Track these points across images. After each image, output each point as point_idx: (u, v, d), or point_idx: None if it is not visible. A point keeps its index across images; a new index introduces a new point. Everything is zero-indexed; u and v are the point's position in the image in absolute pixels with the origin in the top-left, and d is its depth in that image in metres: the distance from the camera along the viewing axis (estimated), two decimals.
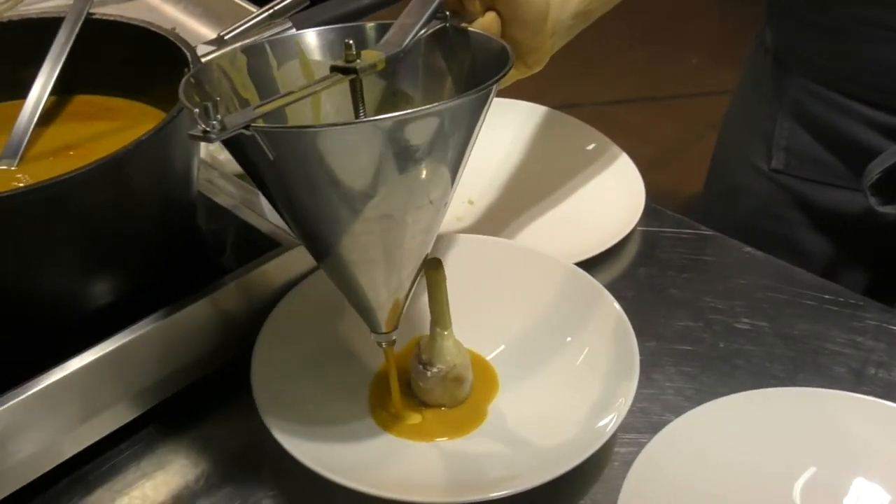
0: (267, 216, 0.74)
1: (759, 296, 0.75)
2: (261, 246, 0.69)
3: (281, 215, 0.53)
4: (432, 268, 0.58)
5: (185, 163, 0.64)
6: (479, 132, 0.51)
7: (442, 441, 0.60)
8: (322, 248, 0.53)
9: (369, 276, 0.53)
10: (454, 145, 0.49)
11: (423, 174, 0.48)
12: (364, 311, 0.55)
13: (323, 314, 0.66)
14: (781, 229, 0.94)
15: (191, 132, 0.42)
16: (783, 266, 0.79)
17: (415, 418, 0.61)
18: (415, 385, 0.63)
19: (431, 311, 0.59)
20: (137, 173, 0.58)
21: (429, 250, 0.54)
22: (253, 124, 0.43)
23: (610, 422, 0.56)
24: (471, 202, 0.85)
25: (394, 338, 0.57)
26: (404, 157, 0.46)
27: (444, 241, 0.72)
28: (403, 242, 0.51)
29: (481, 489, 0.54)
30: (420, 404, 0.62)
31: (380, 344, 0.57)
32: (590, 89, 2.60)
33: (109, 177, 0.56)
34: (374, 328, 0.56)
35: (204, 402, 0.66)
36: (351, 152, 0.45)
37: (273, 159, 0.46)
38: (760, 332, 0.72)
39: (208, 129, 0.41)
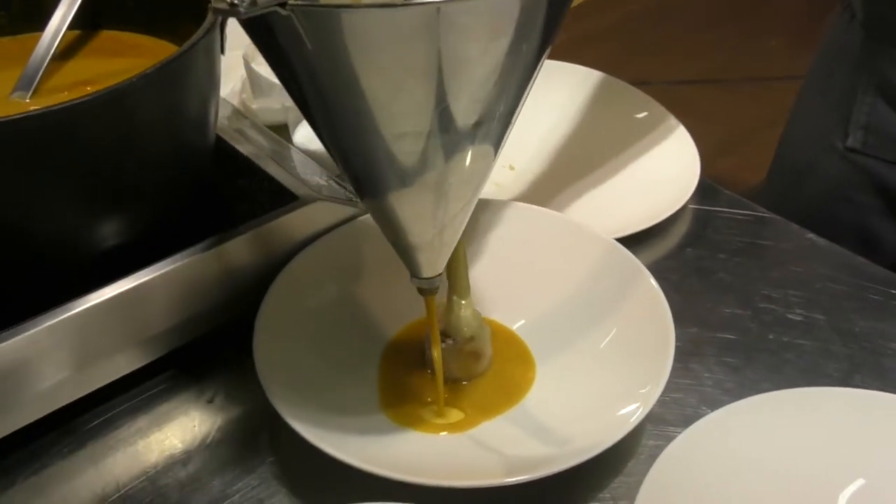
0: (297, 169, 0.70)
1: (817, 286, 0.69)
2: (281, 199, 0.65)
3: (313, 126, 0.45)
4: None
5: (199, 103, 0.60)
6: (541, 65, 0.43)
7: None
8: (361, 167, 0.44)
9: (414, 206, 0.45)
10: (526, 51, 0.40)
11: (487, 80, 0.40)
12: (404, 249, 0.48)
13: (337, 277, 0.62)
14: (852, 215, 0.86)
15: (215, 4, 0.35)
16: (848, 255, 0.72)
17: (455, 415, 0.56)
18: (428, 356, 0.59)
19: (448, 277, 0.55)
20: (143, 108, 0.54)
21: (481, 191, 0.47)
22: (291, 1, 0.36)
23: (635, 412, 0.51)
24: (511, 168, 0.80)
25: (437, 284, 0.51)
26: (469, 55, 0.38)
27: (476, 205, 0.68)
28: (456, 166, 0.43)
29: (489, 475, 0.50)
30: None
31: (421, 292, 0.51)
32: (661, 67, 2.51)
33: (111, 109, 0.53)
34: (414, 271, 0.50)
35: (207, 361, 0.63)
36: (408, 43, 0.37)
37: (310, 49, 0.38)
38: (816, 326, 0.65)
39: (236, 1, 0.35)
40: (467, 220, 0.48)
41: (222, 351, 0.63)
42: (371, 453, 0.50)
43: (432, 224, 0.46)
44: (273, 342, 0.57)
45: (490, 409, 0.56)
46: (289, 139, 0.79)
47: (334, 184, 0.71)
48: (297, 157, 0.74)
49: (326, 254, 0.62)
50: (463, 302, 0.56)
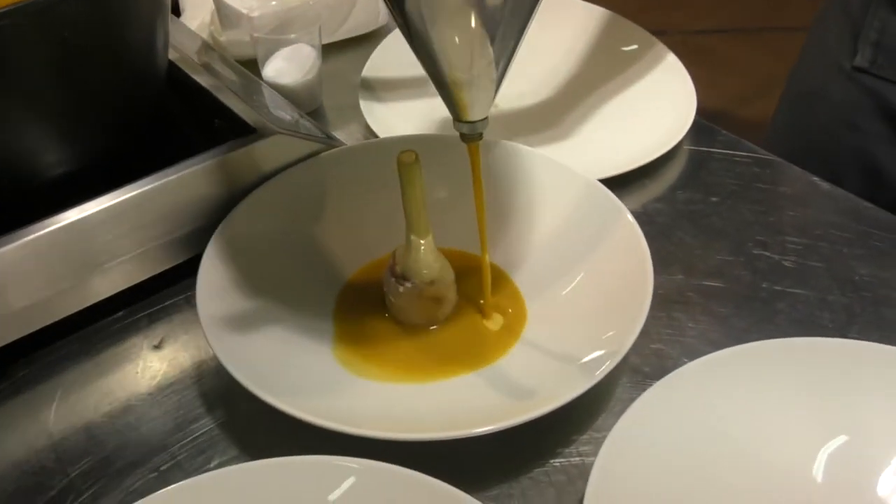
0: (265, 103, 0.66)
1: (817, 232, 0.64)
2: (239, 132, 0.61)
3: None
4: (406, 161, 0.49)
5: (143, 25, 0.56)
6: None
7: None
8: None
9: (456, 33, 0.43)
10: None
11: None
12: (447, 86, 0.46)
13: (292, 217, 0.59)
14: (858, 143, 0.80)
15: None
16: (851, 199, 0.67)
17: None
18: (387, 300, 0.55)
19: (406, 215, 0.51)
20: (75, 24, 0.50)
21: (525, 34, 0.45)
22: None
23: (602, 362, 0.47)
24: (494, 105, 0.75)
25: (479, 130, 0.48)
26: None
27: (447, 141, 0.62)
28: None
29: (441, 427, 0.46)
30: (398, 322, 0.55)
31: (463, 138, 0.48)
32: (682, 16, 2.42)
33: (39, 21, 0.48)
34: (457, 113, 0.47)
35: (158, 305, 0.59)
36: None
37: None
38: (813, 274, 0.60)
39: None
40: (510, 64, 0.46)
41: (175, 294, 0.59)
42: (322, 405, 0.47)
43: (476, 58, 0.44)
44: (219, 286, 0.53)
45: (455, 360, 0.53)
46: (259, 74, 0.75)
47: (303, 120, 0.67)
48: (266, 92, 0.71)
49: (282, 192, 0.59)
50: (422, 242, 0.52)
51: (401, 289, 0.53)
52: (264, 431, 0.50)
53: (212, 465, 0.50)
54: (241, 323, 0.52)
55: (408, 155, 0.49)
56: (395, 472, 0.42)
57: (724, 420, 0.46)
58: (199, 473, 0.47)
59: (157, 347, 0.57)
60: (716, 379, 0.48)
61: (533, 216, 0.60)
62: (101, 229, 0.55)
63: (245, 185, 0.60)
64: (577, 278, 0.56)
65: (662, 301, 0.57)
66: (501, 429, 0.45)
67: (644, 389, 0.50)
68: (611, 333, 0.50)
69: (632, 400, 0.49)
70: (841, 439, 0.46)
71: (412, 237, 0.52)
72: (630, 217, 0.56)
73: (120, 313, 0.59)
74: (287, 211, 0.59)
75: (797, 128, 0.87)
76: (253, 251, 0.56)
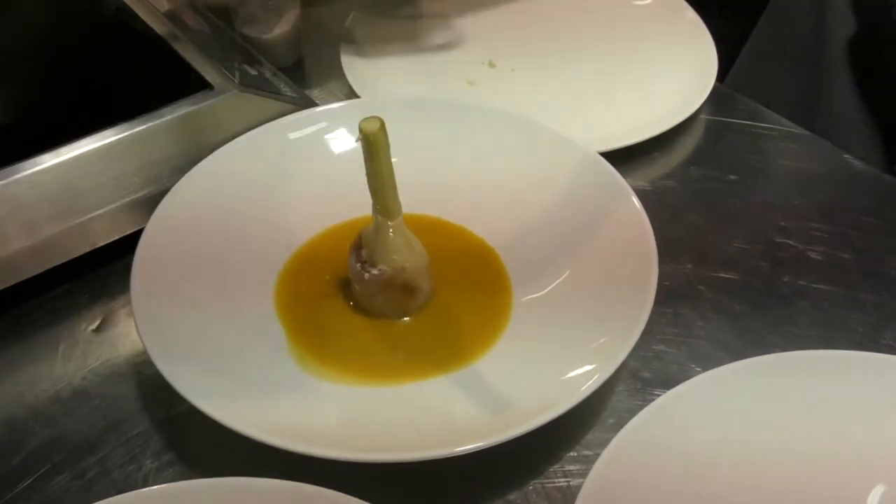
0: (235, 57, 0.60)
1: (848, 219, 0.57)
2: (194, 90, 0.54)
3: None
4: (368, 130, 0.42)
5: None
6: None
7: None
8: None
9: None
10: None
11: None
12: None
13: (247, 191, 0.53)
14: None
15: None
16: (888, 182, 0.60)
17: None
18: (353, 287, 0.49)
19: (371, 193, 0.45)
20: None
21: None
22: None
23: (590, 376, 0.42)
24: (491, 65, 0.68)
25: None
26: None
27: (436, 104, 0.58)
28: None
29: (408, 446, 0.40)
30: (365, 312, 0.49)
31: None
32: None
33: None
34: None
35: (100, 283, 0.53)
36: None
37: None
38: (841, 267, 0.54)
39: None
40: None
41: (120, 270, 0.52)
42: (270, 415, 0.42)
43: None
44: (158, 268, 0.47)
45: (428, 359, 0.47)
46: (232, 25, 0.68)
47: (275, 77, 0.61)
48: (237, 45, 0.65)
49: (240, 158, 0.54)
50: (391, 224, 0.46)
51: (367, 276, 0.47)
52: (203, 436, 0.44)
53: (142, 471, 0.44)
54: (181, 312, 0.46)
55: (370, 122, 0.42)
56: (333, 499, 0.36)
57: (740, 451, 0.40)
58: (128, 481, 0.43)
59: (96, 331, 0.51)
60: (727, 398, 0.41)
61: (523, 192, 0.54)
62: (34, 195, 0.49)
63: (200, 149, 0.53)
64: (572, 265, 0.50)
65: (668, 294, 0.51)
66: (477, 449, 0.39)
67: (644, 399, 0.47)
68: (608, 333, 0.45)
69: (629, 412, 0.44)
70: (879, 489, 0.38)
71: (379, 218, 0.46)
72: (633, 197, 0.50)
73: (56, 291, 0.53)
74: (243, 181, 0.53)
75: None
76: (202, 227, 0.50)
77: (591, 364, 0.43)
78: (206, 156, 0.52)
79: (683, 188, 0.60)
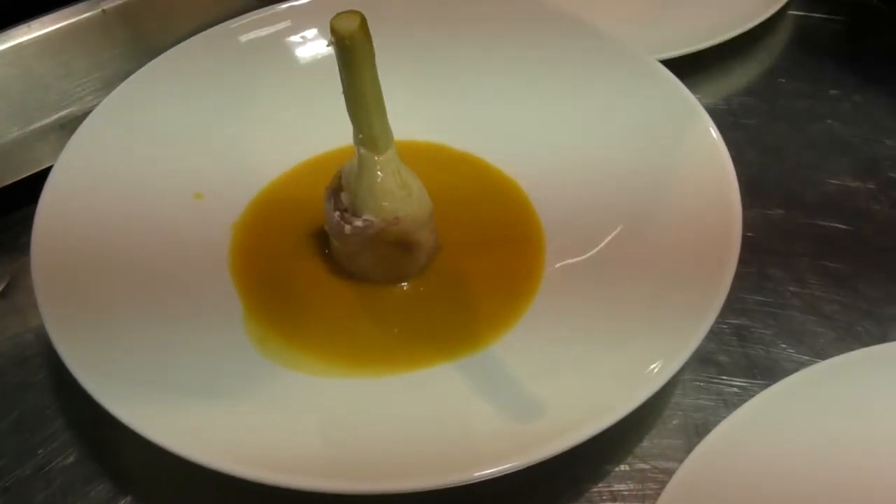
0: None
1: None
2: None
3: None
4: (343, 31, 0.35)
5: None
6: None
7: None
8: None
9: None
10: None
11: None
12: None
13: (186, 115, 0.48)
14: None
15: None
16: None
17: None
18: (330, 244, 0.44)
19: (351, 118, 0.39)
20: None
21: None
22: None
23: (651, 368, 0.36)
24: None
25: None
26: None
27: None
28: None
29: (404, 471, 0.35)
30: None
31: None
32: None
33: None
34: None
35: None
36: None
37: None
38: None
39: None
40: None
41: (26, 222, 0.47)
42: (215, 425, 0.36)
43: None
44: (69, 219, 0.42)
45: (430, 341, 0.42)
46: None
47: None
48: None
49: (181, 72, 0.49)
50: (378, 158, 0.40)
51: (348, 229, 0.41)
52: (138, 445, 0.37)
53: (52, 488, 0.38)
54: (98, 281, 0.41)
55: (346, 20, 0.35)
56: None
57: (862, 461, 0.34)
58: None
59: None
60: (847, 396, 0.35)
61: (560, 114, 0.49)
62: None
63: (128, 60, 0.49)
64: (625, 217, 0.45)
65: (752, 250, 0.45)
66: (501, 474, 0.34)
67: (719, 394, 0.41)
68: (675, 308, 0.39)
69: (698, 411, 0.40)
70: None
71: (363, 151, 0.40)
72: (706, 119, 0.45)
73: None
74: (184, 104, 0.48)
75: None
76: (130, 163, 0.45)
77: (651, 351, 0.37)
78: (136, 69, 0.48)
79: (768, 108, 0.55)
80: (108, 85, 0.47)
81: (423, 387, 0.39)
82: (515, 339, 0.41)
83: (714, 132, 0.44)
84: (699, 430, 0.40)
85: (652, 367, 0.36)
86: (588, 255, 0.44)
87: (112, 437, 0.39)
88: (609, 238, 0.44)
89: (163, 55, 0.49)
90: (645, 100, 0.48)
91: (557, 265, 0.44)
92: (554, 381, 0.38)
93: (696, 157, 0.44)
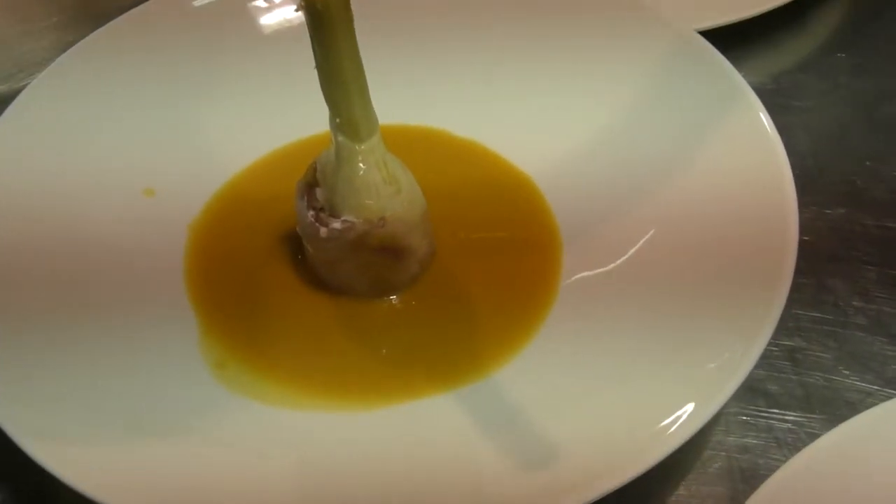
0: None
1: None
2: None
3: None
4: None
5: None
6: None
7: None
8: None
9: None
10: None
11: None
12: None
13: (129, 96, 0.45)
14: None
15: None
16: None
17: None
18: (305, 249, 0.42)
19: (326, 100, 0.37)
20: None
21: None
22: None
23: (687, 405, 0.34)
24: None
25: None
26: None
27: None
28: None
29: None
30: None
31: None
32: None
33: None
34: None
35: None
36: None
37: None
38: None
39: None
40: None
41: None
42: (162, 471, 0.34)
43: None
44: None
45: (421, 367, 0.40)
46: None
47: None
48: None
49: (119, 46, 0.46)
50: (360, 147, 0.38)
51: (324, 232, 0.38)
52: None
53: None
54: (19, 298, 0.38)
55: None
56: None
57: None
58: None
59: None
60: None
61: (582, 95, 0.47)
62: None
63: (66, 32, 0.49)
64: (657, 219, 0.42)
65: (809, 257, 0.43)
66: None
67: (768, 430, 0.38)
68: (716, 333, 0.36)
69: (744, 451, 0.37)
70: None
71: (341, 139, 0.37)
72: (755, 101, 0.43)
73: None
74: (131, 82, 0.46)
75: None
76: (66, 152, 0.43)
77: (686, 386, 0.35)
78: (76, 41, 0.46)
79: (826, 87, 0.53)
80: (43, 60, 0.44)
81: (414, 422, 0.37)
82: (524, 367, 0.39)
83: (765, 118, 0.42)
84: (746, 476, 0.38)
85: (686, 406, 0.33)
86: (613, 265, 0.42)
87: (40, 483, 0.35)
88: (638, 245, 0.41)
89: (106, 26, 0.47)
90: (681, 79, 0.45)
91: (576, 277, 0.42)
92: (569, 419, 0.36)
93: (743, 149, 0.42)
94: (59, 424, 0.34)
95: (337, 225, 0.38)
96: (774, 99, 0.49)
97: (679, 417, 0.34)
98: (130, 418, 0.35)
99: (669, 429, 0.33)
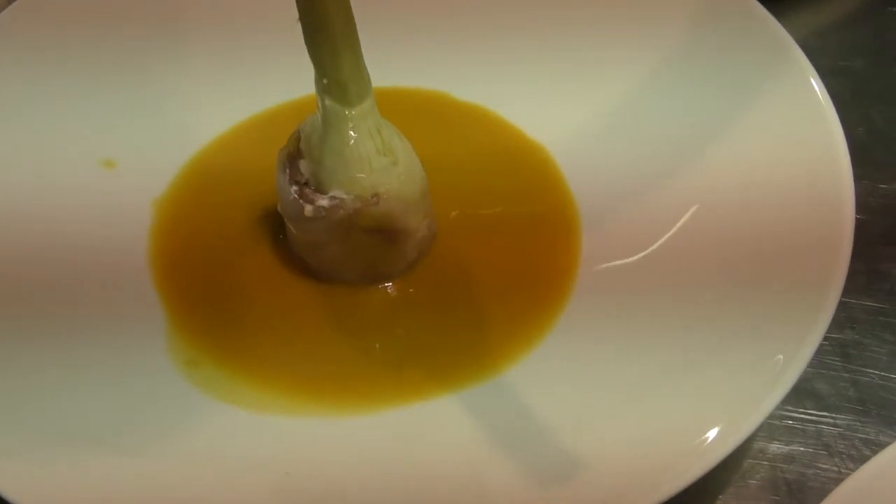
0: None
1: None
2: None
3: None
4: None
5: None
6: None
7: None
8: None
9: None
10: None
11: None
12: None
13: (85, 55, 0.43)
14: None
15: None
16: None
17: None
18: (288, 230, 0.40)
19: (311, 53, 0.35)
20: None
21: None
22: None
23: (723, 419, 0.32)
24: None
25: None
26: None
27: None
28: None
29: None
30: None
31: None
32: None
33: None
34: None
35: None
36: None
37: None
38: None
39: None
40: None
41: None
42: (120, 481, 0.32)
43: None
44: None
45: (420, 365, 0.39)
46: None
47: None
48: None
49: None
50: (350, 113, 0.36)
51: (310, 209, 0.37)
52: None
53: None
54: None
55: None
56: None
57: None
58: None
59: None
60: None
61: (603, 55, 0.44)
62: None
63: None
64: (691, 193, 0.40)
65: (860, 238, 0.38)
66: None
67: (817, 438, 0.36)
68: (756, 326, 0.34)
69: (789, 461, 0.36)
70: None
71: (328, 103, 0.35)
72: (804, 62, 0.40)
73: None
74: (83, 35, 0.43)
75: None
76: (7, 122, 0.41)
77: (724, 394, 0.32)
78: None
79: (879, 44, 0.51)
80: None
81: (411, 429, 0.35)
82: (537, 365, 0.37)
83: (815, 82, 0.39)
84: (793, 490, 0.36)
85: (726, 416, 0.31)
86: (641, 253, 0.39)
87: None
88: (672, 230, 0.39)
89: None
90: (718, 35, 0.43)
91: (597, 266, 0.39)
92: (589, 429, 0.34)
93: (790, 116, 0.39)
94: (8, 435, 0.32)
95: (323, 202, 0.37)
96: (819, 59, 0.44)
97: (718, 430, 0.31)
98: (85, 427, 0.33)
99: (706, 442, 0.31)
